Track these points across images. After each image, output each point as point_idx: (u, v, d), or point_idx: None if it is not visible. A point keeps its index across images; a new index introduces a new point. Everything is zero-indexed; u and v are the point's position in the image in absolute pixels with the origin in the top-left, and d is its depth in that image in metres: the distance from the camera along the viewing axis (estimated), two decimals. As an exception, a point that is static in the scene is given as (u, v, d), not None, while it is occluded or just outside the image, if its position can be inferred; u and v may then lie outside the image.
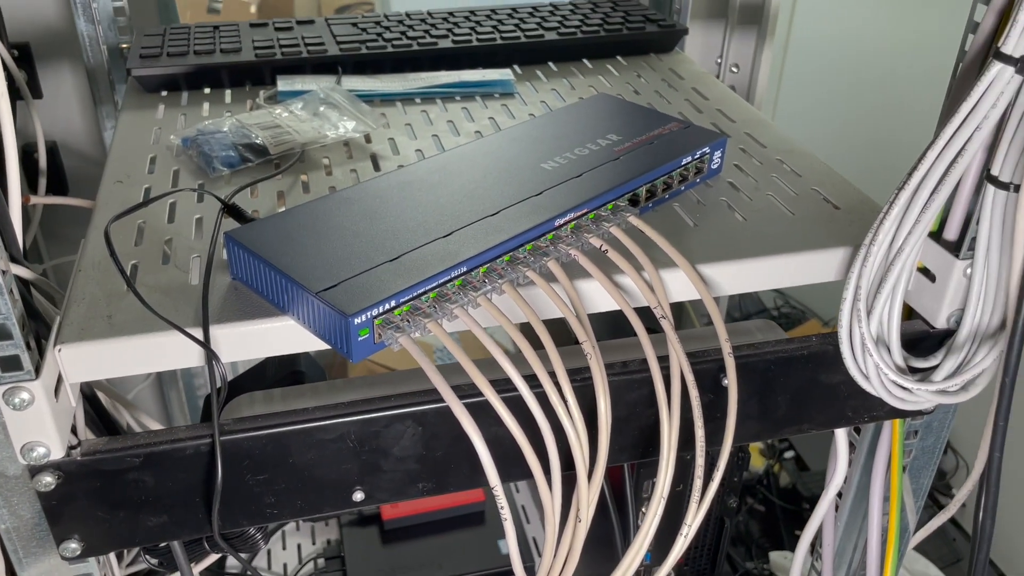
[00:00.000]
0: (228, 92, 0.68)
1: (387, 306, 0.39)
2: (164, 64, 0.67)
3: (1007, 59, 0.39)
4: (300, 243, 0.43)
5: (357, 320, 0.38)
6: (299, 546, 0.96)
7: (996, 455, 0.43)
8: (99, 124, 0.77)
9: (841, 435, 0.55)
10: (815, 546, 0.67)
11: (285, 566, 0.93)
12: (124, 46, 0.76)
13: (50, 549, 0.43)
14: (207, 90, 0.68)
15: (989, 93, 0.40)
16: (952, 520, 1.66)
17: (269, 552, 0.95)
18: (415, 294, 0.40)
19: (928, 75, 1.43)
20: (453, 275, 0.42)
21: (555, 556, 0.44)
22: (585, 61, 0.75)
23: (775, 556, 1.66)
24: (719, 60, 0.93)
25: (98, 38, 0.74)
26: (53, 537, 0.42)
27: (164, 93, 0.68)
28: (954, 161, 0.42)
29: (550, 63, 0.75)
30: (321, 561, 0.92)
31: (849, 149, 1.61)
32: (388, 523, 0.93)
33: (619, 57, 0.76)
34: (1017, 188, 0.43)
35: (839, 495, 0.62)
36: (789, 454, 1.82)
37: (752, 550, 1.72)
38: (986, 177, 0.43)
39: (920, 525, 0.61)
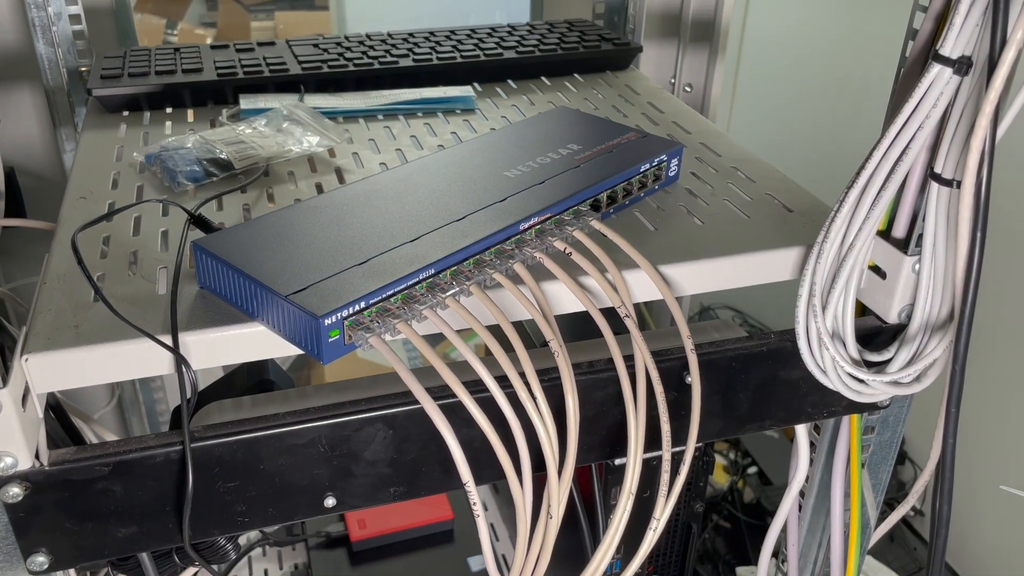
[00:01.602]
0: (190, 112, 0.69)
1: (357, 307, 0.40)
2: (125, 84, 0.67)
3: (945, 60, 0.41)
4: (268, 250, 0.44)
5: (327, 321, 0.39)
6: (266, 571, 0.95)
7: (950, 441, 0.45)
8: (58, 147, 0.77)
9: (802, 432, 0.56)
10: (780, 549, 0.68)
11: (252, 596, 0.92)
12: (83, 69, 0.76)
13: (17, 564, 0.42)
14: (169, 110, 0.69)
15: (930, 93, 0.42)
16: (912, 529, 1.69)
17: (236, 581, 0.93)
18: (384, 296, 0.41)
19: (879, 84, 1.48)
20: (421, 277, 0.43)
21: (527, 554, 0.44)
22: (543, 79, 0.77)
23: (742, 571, 1.67)
24: (673, 80, 0.95)
25: (57, 61, 0.74)
26: (20, 551, 0.42)
27: (126, 113, 0.68)
28: (899, 159, 0.44)
29: (509, 80, 0.76)
30: (288, 584, 0.91)
31: (803, 159, 1.65)
32: (356, 544, 0.92)
33: (576, 75, 0.78)
34: (959, 184, 0.45)
35: (802, 495, 0.64)
36: (752, 469, 1.84)
37: (719, 566, 1.73)
38: (930, 175, 0.45)
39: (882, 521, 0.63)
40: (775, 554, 0.67)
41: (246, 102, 0.66)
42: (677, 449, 0.47)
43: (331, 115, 0.66)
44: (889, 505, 1.74)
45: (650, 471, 0.65)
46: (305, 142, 0.60)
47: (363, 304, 0.40)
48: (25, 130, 0.81)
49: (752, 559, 1.72)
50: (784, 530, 0.65)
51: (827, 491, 0.60)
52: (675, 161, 0.57)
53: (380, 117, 0.68)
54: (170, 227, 0.52)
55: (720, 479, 1.85)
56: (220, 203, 0.55)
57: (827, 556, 0.64)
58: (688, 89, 0.94)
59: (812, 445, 0.60)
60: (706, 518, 1.82)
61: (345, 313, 0.40)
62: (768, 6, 1.76)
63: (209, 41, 1.50)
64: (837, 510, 0.59)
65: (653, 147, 0.56)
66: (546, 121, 0.60)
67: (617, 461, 0.67)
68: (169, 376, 0.99)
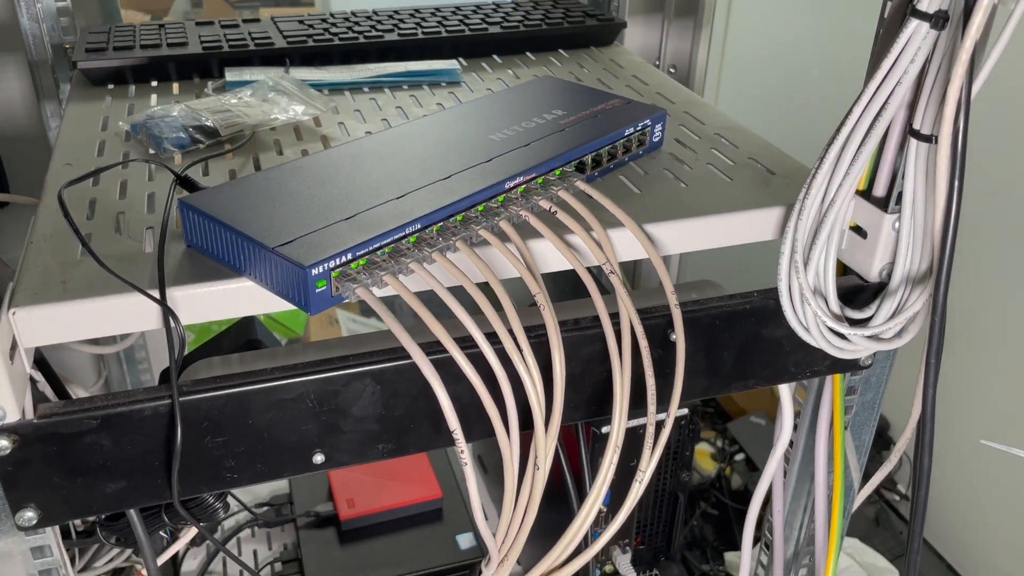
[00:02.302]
0: (175, 85, 0.69)
1: (344, 259, 0.40)
2: (111, 57, 0.67)
3: (922, 15, 0.42)
4: (255, 206, 0.44)
5: (315, 271, 0.39)
6: (255, 552, 0.94)
7: (930, 391, 0.46)
8: (43, 123, 0.77)
9: (786, 394, 0.57)
10: (765, 518, 0.68)
11: (241, 573, 0.92)
12: (67, 46, 0.76)
13: (6, 520, 0.42)
14: (154, 83, 0.69)
15: (908, 48, 0.43)
16: (898, 514, 1.70)
17: (224, 561, 0.93)
18: (370, 248, 0.41)
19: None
20: (407, 231, 0.43)
21: (515, 505, 0.45)
22: (528, 54, 0.78)
23: (730, 556, 1.68)
24: (657, 62, 0.96)
25: (42, 35, 0.74)
26: (9, 506, 0.42)
27: (111, 86, 0.68)
28: (878, 115, 0.45)
29: (494, 56, 0.77)
30: (279, 565, 0.91)
31: (791, 133, 1.66)
32: (345, 523, 0.92)
33: (561, 50, 0.79)
34: (937, 139, 0.45)
35: (787, 461, 0.64)
36: (740, 456, 1.85)
37: (707, 552, 1.74)
38: (909, 132, 0.46)
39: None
40: (759, 523, 0.68)
41: (232, 74, 0.67)
42: (661, 416, 0.47)
43: (317, 87, 0.66)
44: (875, 490, 1.76)
45: (636, 439, 0.66)
46: (291, 111, 0.60)
47: (349, 256, 0.41)
48: (9, 106, 0.80)
49: (740, 544, 1.73)
50: (769, 497, 0.66)
51: (811, 456, 0.61)
52: (659, 127, 0.57)
53: (366, 89, 0.68)
54: (156, 190, 0.52)
55: (708, 466, 1.86)
56: (206, 168, 0.55)
57: (811, 521, 0.64)
58: (673, 70, 0.94)
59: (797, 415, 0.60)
60: (694, 505, 1.83)
61: (332, 264, 0.40)
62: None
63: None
64: (821, 472, 0.60)
65: (637, 112, 0.56)
66: (531, 89, 0.60)
67: (604, 429, 0.67)
68: (155, 352, 0.99)
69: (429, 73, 0.70)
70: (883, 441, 1.64)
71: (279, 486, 1.00)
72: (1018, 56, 0.59)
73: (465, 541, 0.91)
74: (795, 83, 1.75)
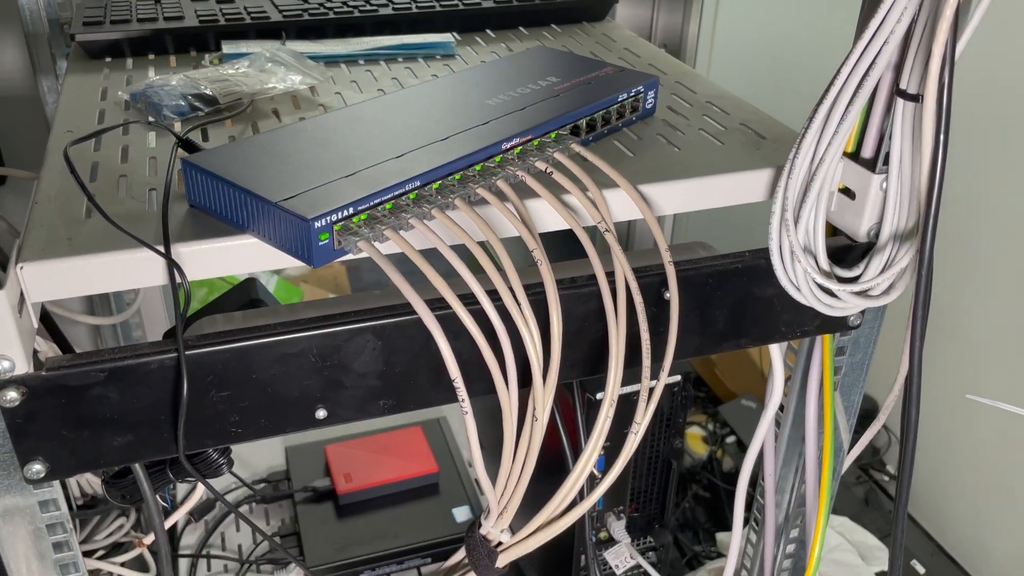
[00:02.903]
0: (172, 58, 0.69)
1: (345, 213, 0.41)
2: (108, 30, 0.67)
3: (908, -25, 0.43)
4: (257, 165, 0.45)
5: (317, 224, 0.40)
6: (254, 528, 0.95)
7: (917, 344, 0.47)
8: (40, 97, 0.77)
9: (776, 355, 0.58)
10: (757, 480, 0.70)
11: (240, 547, 0.93)
12: (63, 21, 0.77)
13: (14, 473, 0.43)
14: (151, 56, 0.69)
15: (894, 8, 0.44)
16: (887, 494, 1.72)
17: (223, 535, 0.94)
18: (371, 204, 0.42)
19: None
20: (407, 188, 0.44)
21: (514, 457, 0.46)
22: (521, 28, 0.78)
23: (722, 536, 1.70)
24: (649, 37, 0.97)
25: (39, 10, 0.74)
26: (17, 458, 0.42)
27: (108, 59, 0.69)
28: (866, 75, 0.46)
29: (488, 30, 0.78)
30: (277, 540, 0.92)
31: (781, 108, 1.66)
32: (343, 498, 0.93)
33: (554, 25, 0.80)
34: (923, 98, 0.46)
35: (778, 426, 0.66)
36: (731, 439, 1.87)
37: (699, 534, 1.76)
38: (896, 92, 0.47)
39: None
40: (752, 484, 0.69)
41: (228, 47, 0.67)
42: (653, 384, 0.48)
43: (313, 59, 0.67)
44: (865, 470, 1.78)
45: (629, 405, 0.67)
46: (288, 80, 0.61)
47: (351, 210, 0.42)
48: (4, 81, 0.81)
49: (731, 523, 1.74)
50: (760, 459, 0.67)
51: (801, 418, 0.62)
52: (652, 94, 0.58)
53: (361, 62, 0.69)
54: (157, 155, 0.52)
55: (699, 449, 1.87)
56: (205, 134, 0.55)
57: (802, 482, 0.66)
58: (664, 47, 0.95)
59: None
60: (686, 488, 1.85)
61: (334, 218, 0.41)
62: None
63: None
64: (811, 433, 0.61)
65: (630, 79, 0.57)
66: (526, 57, 0.61)
67: (598, 395, 0.69)
68: (151, 327, 0.99)
69: (424, 46, 0.70)
70: (869, 421, 1.66)
71: (276, 463, 1.01)
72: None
73: (461, 514, 0.92)
74: (787, 60, 1.76)
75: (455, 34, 0.76)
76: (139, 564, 0.79)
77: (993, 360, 1.52)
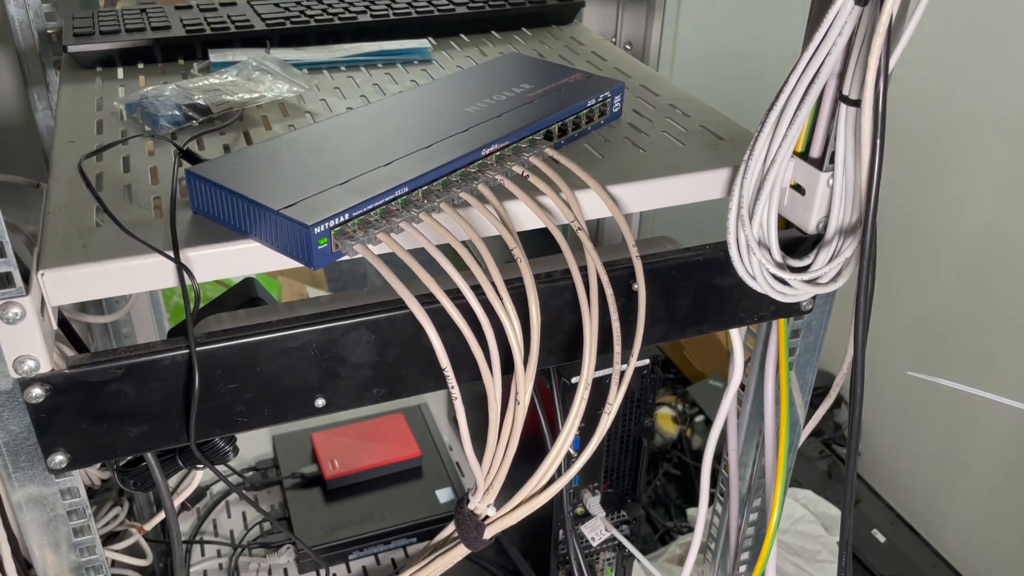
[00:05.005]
0: (161, 67, 0.72)
1: (341, 219, 0.45)
2: (99, 40, 0.70)
3: (847, -7, 0.48)
4: (257, 174, 0.48)
5: (317, 230, 0.44)
6: (244, 513, 0.99)
7: (861, 326, 0.52)
8: (31, 107, 0.79)
9: (736, 337, 0.63)
10: (722, 456, 0.75)
11: (232, 533, 0.96)
12: (50, 31, 0.79)
13: (38, 464, 0.47)
14: (140, 65, 0.72)
15: (836, 22, 0.48)
16: (850, 467, 1.79)
17: (215, 522, 0.98)
18: (364, 209, 0.46)
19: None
20: (396, 194, 0.48)
21: (499, 438, 0.50)
22: (494, 32, 0.82)
23: (692, 512, 1.76)
24: (614, 39, 1.01)
25: (29, 22, 0.77)
26: (41, 449, 0.46)
27: (99, 69, 0.72)
28: (812, 82, 0.51)
29: (462, 35, 0.81)
30: (267, 525, 0.96)
31: (743, 103, 1.73)
32: (331, 483, 0.97)
33: (524, 29, 0.83)
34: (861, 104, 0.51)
35: (740, 404, 0.71)
36: (699, 418, 1.93)
37: (671, 510, 1.83)
38: (839, 98, 0.52)
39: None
40: (717, 459, 0.74)
41: (215, 56, 0.70)
42: (623, 367, 0.53)
43: (297, 67, 0.70)
44: (827, 445, 1.85)
45: (602, 388, 0.71)
46: (275, 89, 0.64)
47: (347, 216, 0.45)
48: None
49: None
50: (724, 436, 0.72)
51: (761, 397, 0.67)
52: (618, 98, 0.63)
53: (343, 68, 0.73)
54: (158, 164, 0.56)
55: (669, 429, 1.94)
56: (201, 143, 0.59)
57: (763, 456, 0.71)
58: (628, 47, 0.99)
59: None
60: (656, 466, 1.91)
61: (332, 223, 0.45)
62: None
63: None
64: (770, 410, 0.66)
65: (598, 85, 0.62)
66: (500, 65, 0.65)
67: (574, 379, 0.73)
68: (140, 326, 1.02)
69: (402, 52, 0.74)
70: (835, 400, 1.72)
71: (264, 451, 1.04)
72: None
73: (444, 495, 0.97)
74: (743, 56, 1.82)
75: (431, 39, 0.79)
76: (135, 551, 0.83)
77: (946, 339, 1.59)
